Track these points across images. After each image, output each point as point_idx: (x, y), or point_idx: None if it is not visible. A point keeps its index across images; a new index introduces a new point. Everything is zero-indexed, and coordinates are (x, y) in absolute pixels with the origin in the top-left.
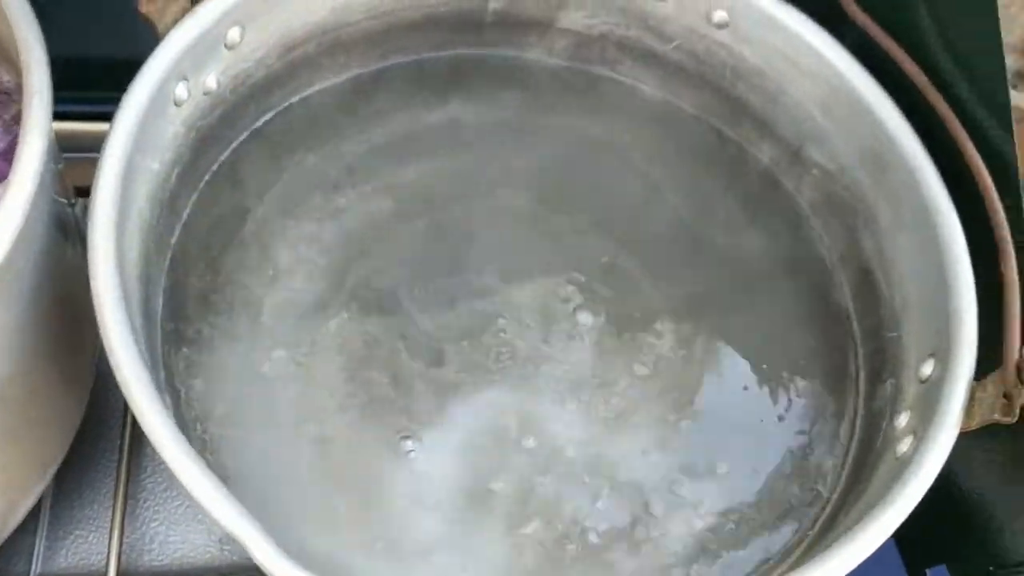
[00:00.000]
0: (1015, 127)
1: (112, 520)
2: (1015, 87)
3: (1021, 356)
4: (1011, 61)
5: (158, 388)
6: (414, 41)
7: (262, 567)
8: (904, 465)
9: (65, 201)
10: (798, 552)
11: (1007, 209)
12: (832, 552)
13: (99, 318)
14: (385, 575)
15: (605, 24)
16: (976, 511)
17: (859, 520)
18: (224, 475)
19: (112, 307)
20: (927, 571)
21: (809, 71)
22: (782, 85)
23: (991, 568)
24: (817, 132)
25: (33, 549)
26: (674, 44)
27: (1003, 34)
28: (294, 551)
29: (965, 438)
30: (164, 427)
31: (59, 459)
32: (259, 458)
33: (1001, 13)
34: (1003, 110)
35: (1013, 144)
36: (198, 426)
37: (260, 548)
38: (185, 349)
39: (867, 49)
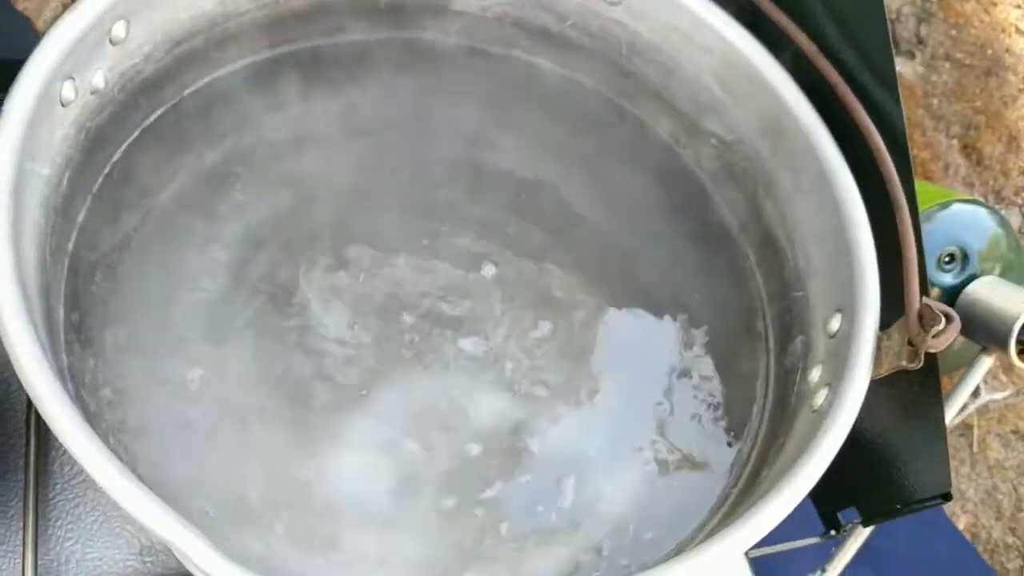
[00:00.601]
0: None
1: (24, 543)
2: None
3: (922, 305)
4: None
5: (74, 405)
6: (306, 29)
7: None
8: (821, 417)
9: None
10: (724, 509)
11: (899, 169)
12: (762, 504)
13: (6, 340)
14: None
15: (500, 5)
16: (880, 454)
17: (784, 473)
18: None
19: (18, 328)
20: (838, 515)
21: (704, 45)
22: (678, 59)
23: (898, 506)
24: (714, 104)
25: None
26: (569, 22)
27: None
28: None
29: (880, 385)
30: (92, 445)
31: None
32: (178, 467)
33: None
34: (889, 75)
35: (900, 107)
36: (110, 439)
37: (203, 555)
38: (91, 360)
39: (759, 23)
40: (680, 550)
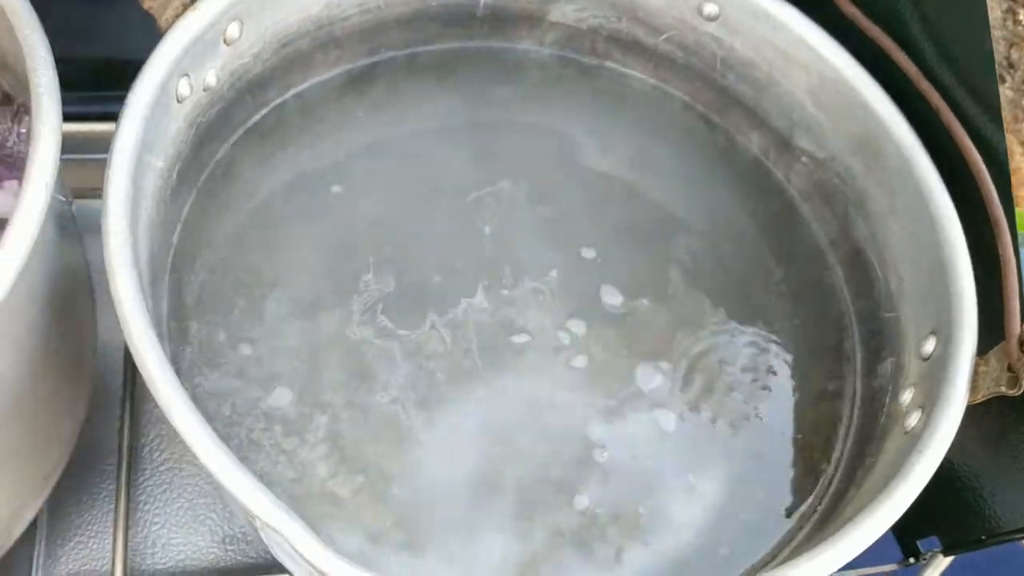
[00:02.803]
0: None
1: (115, 524)
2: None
3: (1022, 331)
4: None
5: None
6: (405, 35)
7: (305, 559)
8: (914, 439)
9: (64, 199)
10: (806, 530)
11: (1000, 192)
12: (851, 527)
13: (123, 323)
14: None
15: (595, 17)
16: (967, 482)
17: (874, 494)
18: None
19: (135, 310)
20: (918, 542)
21: (799, 61)
22: (772, 75)
23: (981, 537)
24: (807, 121)
25: (32, 559)
26: (664, 36)
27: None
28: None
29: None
30: (205, 432)
31: (60, 468)
32: (270, 461)
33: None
34: (991, 98)
35: (1001, 129)
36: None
37: (302, 540)
38: (188, 349)
39: (857, 40)
40: (755, 571)
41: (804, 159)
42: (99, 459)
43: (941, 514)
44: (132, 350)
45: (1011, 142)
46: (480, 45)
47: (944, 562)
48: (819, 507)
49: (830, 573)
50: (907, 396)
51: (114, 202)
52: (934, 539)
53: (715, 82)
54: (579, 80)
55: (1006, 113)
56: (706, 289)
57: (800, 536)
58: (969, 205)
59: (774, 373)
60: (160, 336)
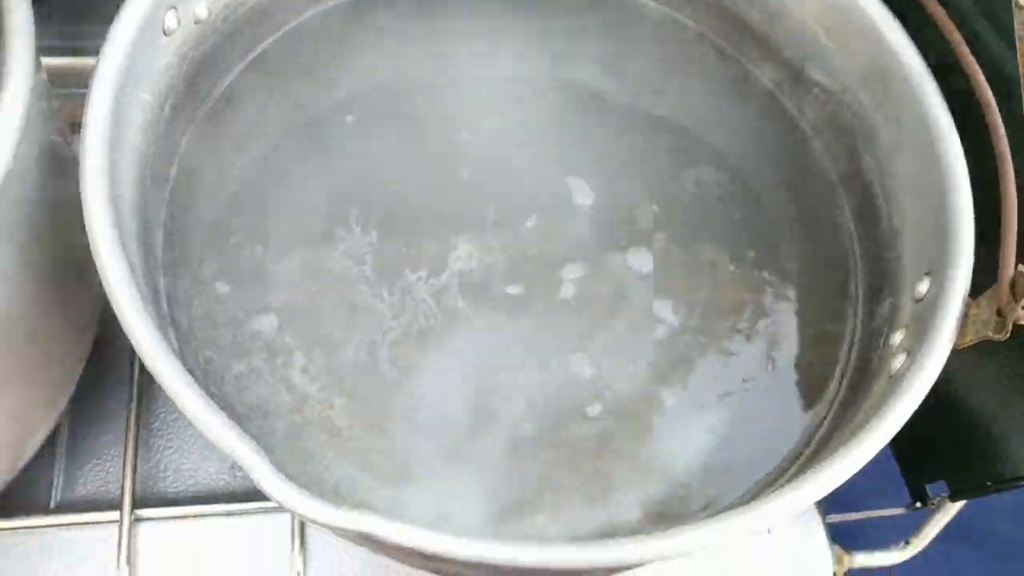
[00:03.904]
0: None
1: (125, 450)
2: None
3: (1016, 273)
4: None
5: (159, 323)
6: None
7: (263, 490)
8: (896, 382)
9: (61, 139)
10: (793, 468)
11: (1008, 124)
12: (820, 469)
13: (94, 252)
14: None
15: None
16: (976, 428)
17: (852, 436)
18: (227, 404)
19: (107, 241)
20: (926, 486)
21: None
22: (784, 3)
23: (988, 483)
24: (819, 51)
25: (52, 479)
26: None
27: None
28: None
29: (967, 355)
30: (166, 363)
31: (68, 393)
32: (267, 389)
33: None
34: (1006, 24)
35: (1015, 55)
36: (200, 355)
37: (260, 471)
38: (187, 280)
39: None
40: (745, 502)
41: (816, 91)
42: (117, 384)
43: (949, 459)
44: (103, 279)
45: None
46: None
47: (952, 508)
48: (807, 449)
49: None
50: (897, 338)
51: (91, 134)
52: (942, 484)
53: (727, 10)
54: (591, 10)
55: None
56: (718, 221)
57: (784, 477)
58: (977, 139)
59: (778, 309)
60: (148, 263)
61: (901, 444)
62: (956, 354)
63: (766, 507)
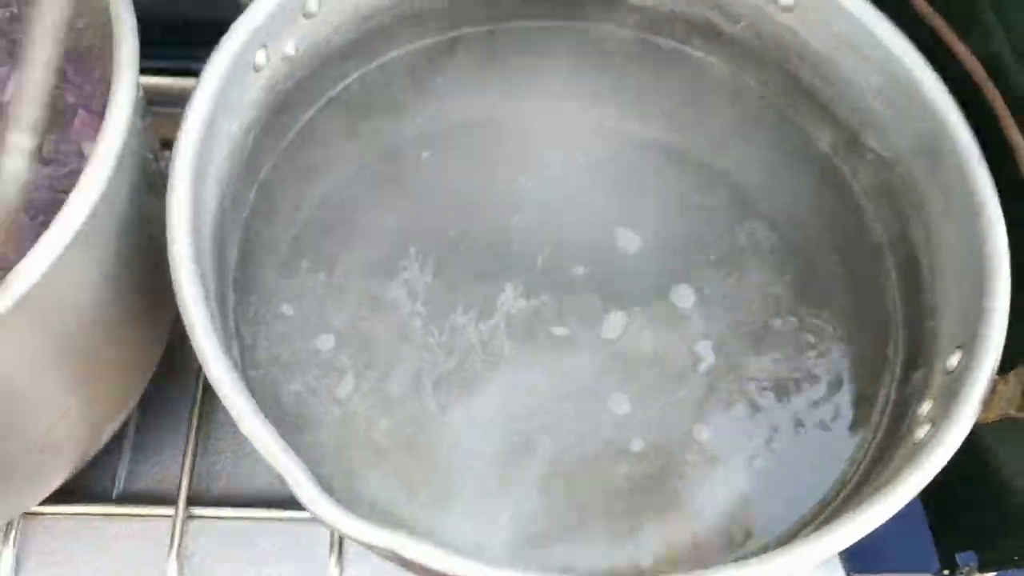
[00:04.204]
0: None
1: (184, 450)
2: None
3: None
4: None
5: (225, 338)
6: (485, 13)
7: (305, 507)
8: (917, 451)
9: (151, 156)
10: (812, 527)
11: None
12: (825, 532)
13: (174, 275)
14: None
15: (675, 2)
16: (1010, 500)
17: (862, 503)
18: (282, 416)
19: (186, 267)
20: (957, 555)
21: (871, 58)
22: (845, 72)
23: (1016, 557)
24: (875, 119)
25: (116, 471)
26: (741, 24)
27: None
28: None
29: (1007, 425)
30: (228, 382)
31: (138, 394)
32: (320, 406)
33: None
34: None
35: None
36: (261, 370)
37: (299, 486)
38: (254, 298)
39: (927, 40)
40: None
41: (871, 157)
42: (183, 389)
43: (982, 529)
44: (179, 301)
45: None
46: (559, 24)
47: None
48: (828, 509)
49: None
50: (926, 408)
51: (181, 161)
52: (972, 554)
53: (790, 74)
54: (659, 63)
55: None
56: (767, 277)
57: (803, 533)
58: (1020, 220)
59: (819, 367)
60: (221, 281)
61: (935, 509)
62: (997, 424)
63: (773, 560)
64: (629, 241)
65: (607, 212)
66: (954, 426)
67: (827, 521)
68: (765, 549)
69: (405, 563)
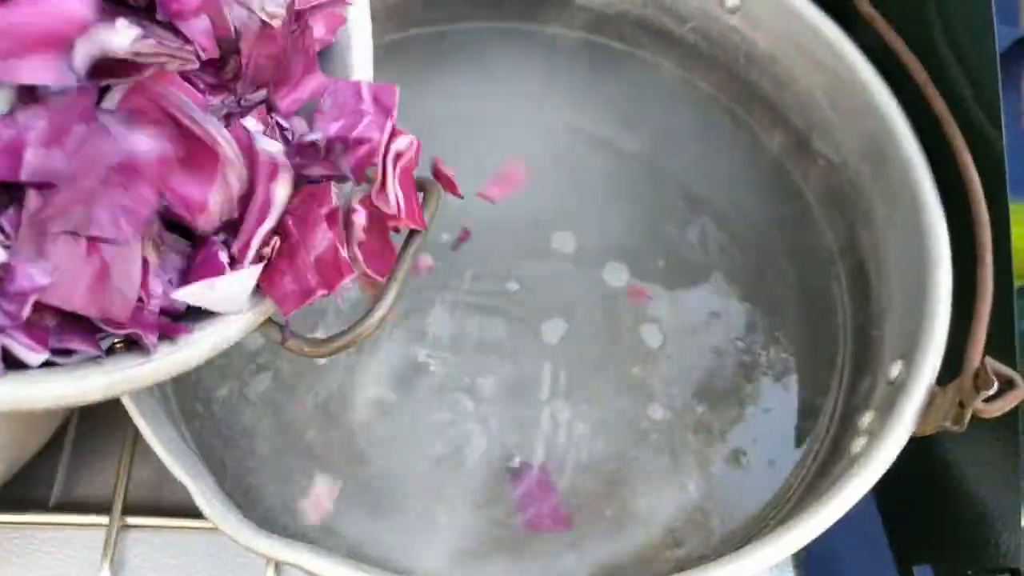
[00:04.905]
0: None
1: (121, 458)
2: None
3: (981, 364)
4: None
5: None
6: (432, 13)
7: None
8: (852, 465)
9: None
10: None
11: (992, 213)
12: (749, 550)
13: None
14: None
15: (621, 3)
16: (965, 515)
17: (790, 519)
18: (215, 425)
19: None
20: (914, 569)
21: (818, 60)
22: (792, 73)
23: (969, 572)
24: (824, 123)
25: (54, 480)
26: (689, 25)
27: None
28: None
29: (964, 441)
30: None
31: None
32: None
33: None
34: (994, 109)
35: (1002, 144)
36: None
37: (196, 493)
38: None
39: (871, 43)
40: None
41: (821, 162)
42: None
43: (937, 543)
44: None
45: None
46: (508, 26)
47: None
48: (771, 521)
49: None
50: (866, 420)
51: None
52: (928, 568)
53: (739, 76)
54: (608, 64)
55: None
56: (716, 278)
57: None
58: (965, 228)
59: (767, 374)
60: None
61: (893, 524)
62: (955, 442)
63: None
64: (565, 242)
65: (550, 213)
66: (889, 437)
67: (758, 536)
68: (697, 559)
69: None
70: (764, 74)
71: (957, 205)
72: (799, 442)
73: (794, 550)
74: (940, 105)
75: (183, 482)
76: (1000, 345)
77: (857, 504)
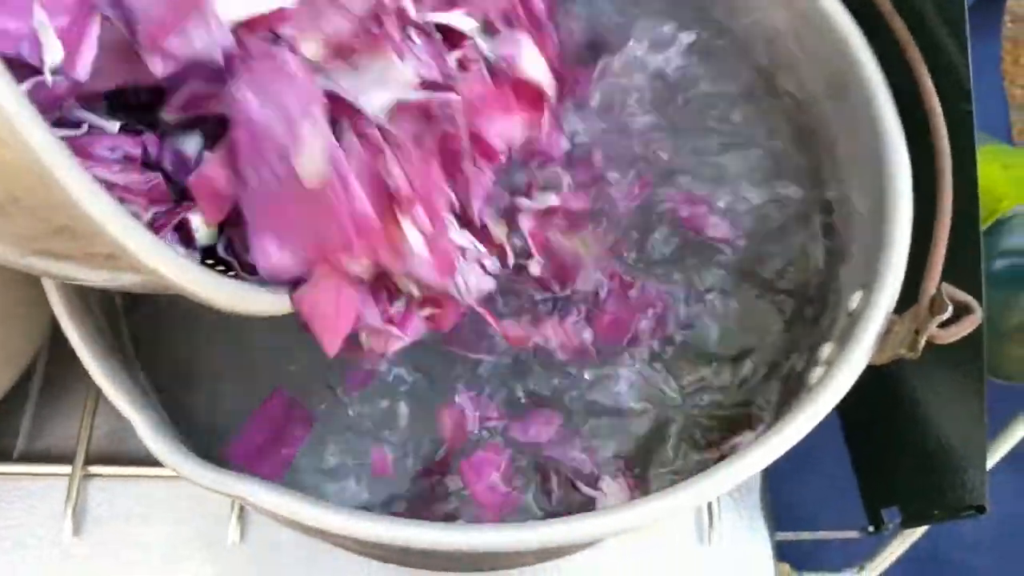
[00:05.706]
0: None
1: (84, 407)
2: None
3: (938, 291)
4: None
5: None
6: None
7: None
8: (808, 394)
9: None
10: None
11: (957, 133)
12: (702, 477)
13: None
14: None
15: None
16: (932, 455)
17: (747, 448)
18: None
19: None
20: (883, 511)
21: None
22: (754, 6)
23: (936, 511)
24: (790, 60)
25: (19, 429)
26: None
27: None
28: None
29: (932, 381)
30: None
31: (38, 341)
32: None
33: None
34: (958, 27)
35: (968, 66)
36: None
37: (140, 429)
38: None
39: None
40: None
41: (787, 100)
42: None
43: (905, 485)
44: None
45: None
46: None
47: (909, 535)
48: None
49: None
50: (826, 351)
51: None
52: (895, 510)
53: (704, 11)
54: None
55: None
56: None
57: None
58: (928, 156)
59: (740, 307)
60: None
61: (862, 467)
62: (922, 380)
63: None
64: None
65: None
66: (845, 365)
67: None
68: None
69: (262, 513)
70: (732, 13)
71: (927, 142)
72: (772, 378)
73: (746, 476)
74: (902, 29)
75: (126, 415)
76: (967, 286)
77: (828, 450)
